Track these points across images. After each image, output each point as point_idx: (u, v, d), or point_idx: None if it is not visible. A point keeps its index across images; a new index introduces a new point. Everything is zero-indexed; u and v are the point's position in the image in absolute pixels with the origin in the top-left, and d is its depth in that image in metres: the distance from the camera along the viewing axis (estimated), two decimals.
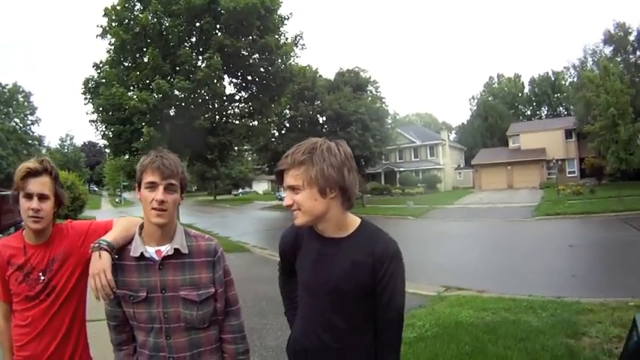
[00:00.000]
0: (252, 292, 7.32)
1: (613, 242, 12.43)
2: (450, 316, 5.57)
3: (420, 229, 18.54)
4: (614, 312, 5.33)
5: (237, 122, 22.34)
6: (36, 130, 58.05)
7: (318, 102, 34.14)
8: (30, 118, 56.14)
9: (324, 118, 34.84)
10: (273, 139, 34.43)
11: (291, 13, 21.87)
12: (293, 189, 1.66)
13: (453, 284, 7.92)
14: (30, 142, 55.14)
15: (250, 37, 20.48)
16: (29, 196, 1.91)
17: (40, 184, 1.93)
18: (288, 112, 33.39)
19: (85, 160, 78.61)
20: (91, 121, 22.05)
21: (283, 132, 35.79)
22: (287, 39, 21.89)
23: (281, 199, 49.76)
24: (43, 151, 60.83)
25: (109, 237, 1.84)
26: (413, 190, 42.31)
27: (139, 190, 1.81)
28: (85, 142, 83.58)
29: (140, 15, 19.74)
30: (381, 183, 47.77)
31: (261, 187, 70.86)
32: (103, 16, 20.43)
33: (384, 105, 38.48)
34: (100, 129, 22.15)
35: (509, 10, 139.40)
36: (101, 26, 20.66)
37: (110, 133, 21.53)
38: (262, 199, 54.44)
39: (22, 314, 1.98)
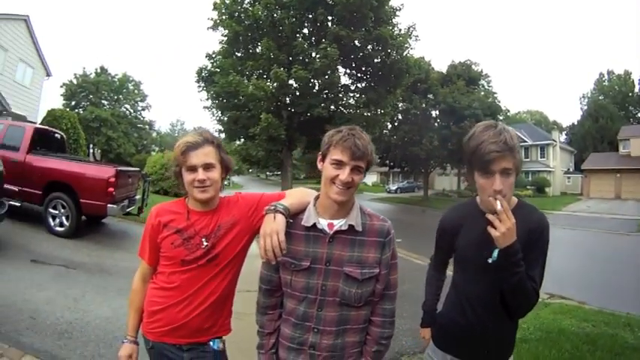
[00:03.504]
0: None
1: None
2: (554, 322, 5.69)
3: None
4: None
5: (353, 112, 22.23)
6: (147, 115, 62.11)
7: (431, 95, 33.28)
8: (140, 104, 60.30)
9: (437, 112, 33.99)
10: (386, 131, 33.99)
11: (402, 4, 21.51)
12: (506, 173, 1.70)
13: (556, 292, 7.93)
14: (140, 126, 59.27)
15: (364, 29, 20.32)
16: (193, 169, 1.92)
17: (203, 155, 1.93)
18: (401, 104, 32.74)
19: None
20: (205, 107, 23.35)
21: (396, 124, 35.23)
22: (400, 30, 21.52)
23: (390, 192, 50.02)
24: (154, 134, 65.99)
25: (285, 202, 1.84)
26: (522, 192, 39.66)
27: (323, 161, 1.80)
28: (194, 127, 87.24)
29: (250, 8, 20.37)
30: None
31: (370, 178, 69.66)
32: (213, 9, 21.28)
33: (496, 100, 36.78)
34: (216, 115, 23.44)
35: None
36: (211, 19, 21.56)
37: (226, 118, 22.60)
38: (371, 190, 54.20)
39: (170, 277, 1.96)
